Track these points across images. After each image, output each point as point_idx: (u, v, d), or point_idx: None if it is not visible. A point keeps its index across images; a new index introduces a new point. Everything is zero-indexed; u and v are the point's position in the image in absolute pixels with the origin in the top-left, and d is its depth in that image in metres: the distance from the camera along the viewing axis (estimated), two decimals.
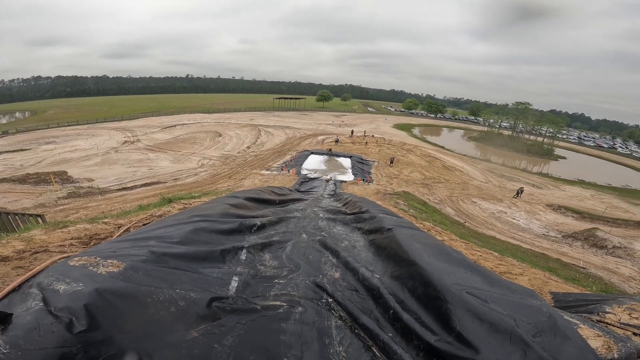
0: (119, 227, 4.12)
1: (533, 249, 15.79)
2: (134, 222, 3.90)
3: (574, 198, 29.12)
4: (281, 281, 2.54)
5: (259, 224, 3.62)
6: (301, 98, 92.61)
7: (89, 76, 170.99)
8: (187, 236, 2.58)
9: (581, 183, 37.29)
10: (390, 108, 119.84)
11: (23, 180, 20.39)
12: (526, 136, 66.02)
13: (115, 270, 1.77)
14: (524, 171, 41.50)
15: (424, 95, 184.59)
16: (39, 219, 7.64)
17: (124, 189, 19.73)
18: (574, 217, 23.38)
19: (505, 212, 22.31)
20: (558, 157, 57.96)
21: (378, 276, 2.56)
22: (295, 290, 2.42)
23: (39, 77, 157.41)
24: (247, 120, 54.28)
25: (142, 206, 6.69)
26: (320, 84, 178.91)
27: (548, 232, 20.02)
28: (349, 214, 4.81)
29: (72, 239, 3.22)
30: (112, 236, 3.50)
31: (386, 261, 2.84)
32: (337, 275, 2.71)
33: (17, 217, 6.89)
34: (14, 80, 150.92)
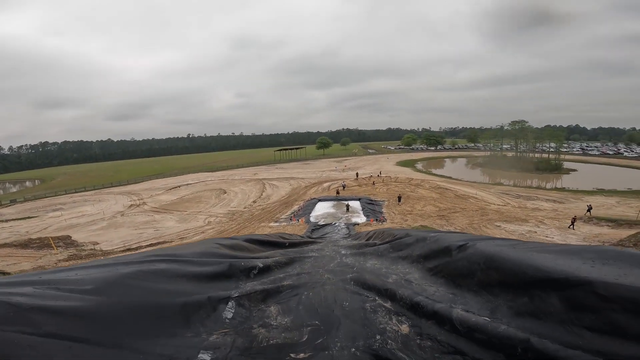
0: None
1: None
2: None
3: (601, 207, 27.77)
4: (300, 355, 1.37)
5: (261, 265, 2.41)
6: (301, 147, 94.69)
7: (94, 140, 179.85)
8: (114, 282, 1.43)
9: (601, 192, 35.88)
10: (389, 147, 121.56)
11: (25, 245, 20.54)
12: (530, 154, 65.47)
13: None
14: (539, 189, 40.30)
15: (420, 130, 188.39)
16: None
17: (129, 249, 19.36)
18: (609, 225, 22.17)
19: (535, 232, 21.08)
20: (569, 170, 57.11)
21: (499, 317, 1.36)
22: None
23: (47, 142, 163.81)
24: (250, 175, 54.51)
25: None
26: (318, 132, 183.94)
27: (590, 244, 18.75)
28: (381, 244, 3.63)
29: None
30: None
31: (479, 294, 1.60)
32: (405, 329, 1.63)
33: None
34: (22, 146, 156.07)
